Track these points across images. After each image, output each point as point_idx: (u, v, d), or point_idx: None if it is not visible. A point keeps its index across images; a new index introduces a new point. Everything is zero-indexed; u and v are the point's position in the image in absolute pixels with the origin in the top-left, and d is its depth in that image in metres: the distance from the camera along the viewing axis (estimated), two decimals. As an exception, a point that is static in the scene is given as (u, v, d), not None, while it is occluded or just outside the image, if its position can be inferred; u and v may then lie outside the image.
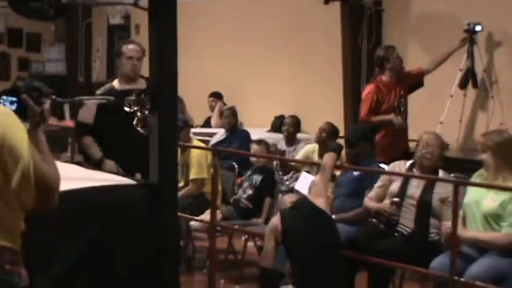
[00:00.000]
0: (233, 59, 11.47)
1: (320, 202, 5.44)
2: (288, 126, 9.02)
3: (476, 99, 8.50)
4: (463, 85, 8.32)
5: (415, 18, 9.32)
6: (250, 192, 7.42)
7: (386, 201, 5.76)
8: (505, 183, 5.10)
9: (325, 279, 5.25)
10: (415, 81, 7.92)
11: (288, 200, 5.69)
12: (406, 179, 5.75)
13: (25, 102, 2.86)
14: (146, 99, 5.54)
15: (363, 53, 9.43)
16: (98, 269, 4.08)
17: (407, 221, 5.63)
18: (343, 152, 6.26)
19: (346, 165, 6.39)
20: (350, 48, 9.45)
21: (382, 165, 6.45)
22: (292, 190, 7.47)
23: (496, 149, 5.17)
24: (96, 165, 5.90)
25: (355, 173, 6.31)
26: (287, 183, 8.08)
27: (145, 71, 5.97)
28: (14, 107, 2.87)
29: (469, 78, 8.29)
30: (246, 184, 7.52)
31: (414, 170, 5.82)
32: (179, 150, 6.52)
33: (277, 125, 9.96)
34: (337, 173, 6.48)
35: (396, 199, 5.67)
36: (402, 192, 5.69)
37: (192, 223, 7.13)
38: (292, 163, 8.27)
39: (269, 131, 10.31)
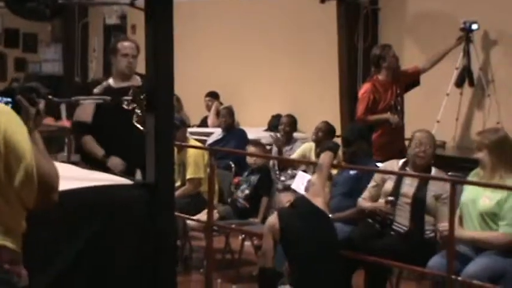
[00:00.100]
0: (229, 58, 11.47)
1: (318, 201, 5.44)
2: (284, 126, 9.03)
3: (472, 98, 8.52)
4: (459, 84, 8.33)
5: (411, 17, 9.33)
6: (247, 192, 7.43)
7: (381, 201, 5.77)
8: (502, 182, 5.10)
9: (324, 279, 5.25)
10: (411, 80, 7.93)
11: (284, 198, 5.69)
12: (399, 177, 5.76)
13: (20, 103, 2.86)
14: (143, 98, 5.53)
15: (359, 52, 9.44)
16: (95, 269, 4.08)
17: (402, 219, 5.65)
18: (340, 151, 6.27)
19: (343, 164, 6.40)
20: (346, 47, 9.45)
21: (378, 164, 6.46)
22: (288, 188, 7.48)
23: (492, 147, 5.18)
24: (100, 162, 5.88)
25: (352, 172, 6.32)
26: (282, 179, 8.10)
27: (139, 68, 6.00)
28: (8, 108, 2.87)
29: (465, 76, 8.30)
30: (243, 186, 7.52)
31: (407, 168, 5.84)
32: (176, 150, 6.53)
33: (274, 124, 9.97)
34: (334, 172, 6.49)
35: (391, 198, 5.68)
36: (396, 191, 5.71)
37: (189, 222, 7.13)
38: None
39: (266, 130, 10.31)
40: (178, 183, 7.33)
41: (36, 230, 2.91)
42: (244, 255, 7.36)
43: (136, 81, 6.06)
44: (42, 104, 2.93)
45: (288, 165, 8.32)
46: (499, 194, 5.08)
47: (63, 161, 7.17)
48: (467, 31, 8.19)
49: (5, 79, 14.25)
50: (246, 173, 7.65)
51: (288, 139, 8.98)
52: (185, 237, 7.35)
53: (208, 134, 9.88)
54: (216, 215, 6.88)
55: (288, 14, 10.71)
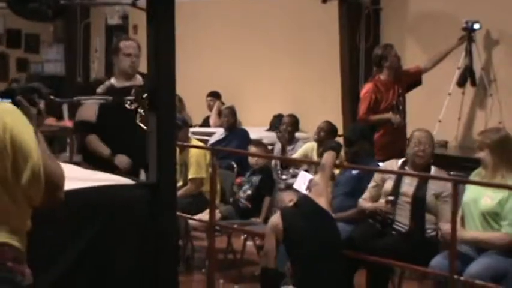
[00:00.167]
0: (231, 58, 11.47)
1: (321, 201, 5.44)
2: (286, 125, 9.03)
3: (474, 98, 8.51)
4: (461, 83, 8.32)
5: (413, 16, 9.32)
6: (249, 192, 7.43)
7: (381, 201, 5.77)
8: (503, 181, 5.10)
9: (326, 279, 5.24)
10: (413, 80, 7.93)
11: (287, 198, 5.68)
12: (399, 177, 5.77)
13: (20, 104, 2.87)
14: (145, 97, 5.53)
15: (360, 52, 9.43)
16: (97, 269, 4.09)
17: (402, 218, 5.65)
18: (342, 151, 6.27)
19: (346, 164, 6.40)
20: (348, 47, 9.45)
21: (380, 164, 6.45)
22: (290, 187, 7.48)
23: (493, 147, 5.18)
24: (105, 161, 5.86)
25: (354, 172, 6.32)
26: (284, 177, 8.11)
27: (141, 67, 6.00)
28: None
29: (467, 76, 8.29)
30: (245, 186, 7.52)
31: (406, 168, 5.84)
32: (178, 150, 6.53)
33: (276, 124, 9.97)
34: (337, 172, 6.49)
35: (391, 197, 5.69)
36: (396, 191, 5.71)
37: (191, 222, 7.12)
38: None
39: (268, 130, 10.32)
40: (180, 183, 7.32)
41: (40, 230, 2.92)
42: (246, 255, 7.36)
43: (138, 80, 6.06)
44: (42, 104, 2.94)
45: (290, 164, 8.34)
46: (500, 194, 5.08)
47: (65, 161, 7.16)
48: (469, 31, 8.18)
49: (7, 79, 14.26)
50: (248, 173, 7.66)
51: (290, 139, 8.99)
52: (187, 237, 7.35)
53: (210, 134, 9.89)
54: (218, 215, 6.88)
55: (289, 14, 10.71)
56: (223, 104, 10.96)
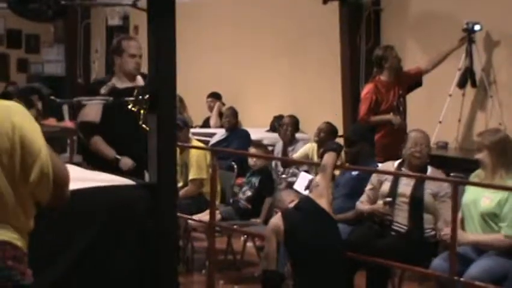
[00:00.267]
0: (231, 59, 11.47)
1: (323, 202, 5.43)
2: (286, 126, 9.03)
3: (475, 99, 8.50)
4: (461, 85, 8.32)
5: (414, 17, 9.32)
6: (249, 193, 7.42)
7: (379, 202, 5.78)
8: (502, 182, 5.11)
9: (327, 280, 5.24)
10: (413, 81, 7.94)
11: (287, 198, 5.67)
12: (396, 178, 5.78)
13: None
14: (145, 99, 5.52)
15: (361, 53, 9.43)
16: (97, 269, 4.08)
17: (401, 219, 5.66)
18: (343, 152, 6.26)
19: (346, 165, 6.40)
20: (349, 48, 9.45)
21: (380, 164, 6.46)
22: (290, 186, 7.49)
23: (492, 148, 5.19)
24: (108, 163, 5.84)
25: (354, 173, 6.32)
26: (284, 176, 8.11)
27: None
28: None
29: (467, 77, 8.29)
30: (245, 187, 7.53)
31: (403, 169, 5.85)
32: (178, 151, 6.52)
33: (276, 124, 9.97)
34: (337, 172, 6.49)
35: (388, 199, 5.69)
36: (393, 192, 5.72)
37: (191, 222, 7.12)
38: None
39: (268, 130, 10.32)
40: (180, 184, 7.33)
41: (40, 230, 2.93)
42: (246, 256, 7.36)
43: (140, 81, 6.04)
44: (39, 106, 2.95)
45: (291, 164, 8.34)
46: (499, 195, 5.08)
47: (65, 162, 7.16)
48: (469, 32, 8.18)
49: (8, 80, 14.28)
50: (247, 175, 7.66)
51: (290, 140, 8.99)
52: (187, 237, 7.35)
53: (211, 135, 9.89)
54: (218, 215, 6.88)
55: (290, 15, 10.70)
56: (223, 104, 10.97)
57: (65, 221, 3.90)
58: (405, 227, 5.63)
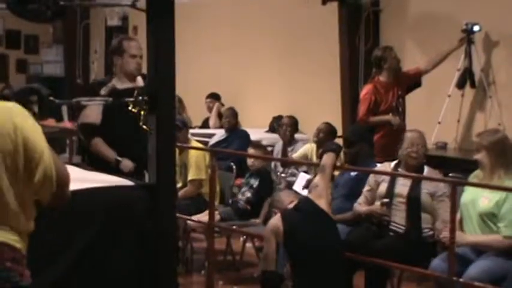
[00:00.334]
0: (231, 59, 11.47)
1: (322, 203, 5.43)
2: (285, 126, 9.04)
3: (474, 100, 8.51)
4: (460, 85, 8.32)
5: (413, 18, 9.32)
6: (248, 195, 7.42)
7: (377, 203, 5.78)
8: (500, 183, 5.11)
9: (327, 281, 5.24)
10: (412, 82, 7.94)
11: (286, 199, 5.66)
12: (392, 179, 5.79)
13: None
14: (143, 99, 5.51)
15: (360, 54, 9.44)
16: (96, 270, 4.08)
17: (398, 219, 5.67)
18: (342, 153, 6.26)
19: (345, 166, 6.40)
20: (348, 48, 9.46)
21: (378, 164, 6.46)
22: (289, 187, 7.49)
23: (490, 148, 5.20)
24: (108, 164, 5.83)
25: (353, 174, 6.33)
26: (283, 175, 8.11)
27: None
28: None
29: (466, 78, 8.29)
30: (244, 188, 7.53)
31: (399, 169, 5.86)
32: (177, 151, 6.52)
33: (275, 125, 9.97)
34: (336, 173, 6.49)
35: (385, 200, 5.70)
36: (390, 192, 5.72)
37: (190, 223, 7.12)
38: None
39: (267, 131, 10.32)
40: (179, 185, 7.33)
41: (39, 230, 2.93)
42: (245, 256, 7.36)
43: (140, 82, 6.03)
44: (36, 107, 2.96)
45: (290, 165, 8.35)
46: (498, 195, 5.09)
47: (64, 162, 7.16)
48: (468, 33, 8.18)
49: (7, 80, 14.28)
50: (246, 175, 7.66)
51: (290, 140, 8.99)
52: (186, 238, 7.35)
53: (210, 135, 9.89)
54: (217, 216, 6.88)
55: (289, 16, 10.70)
56: (222, 105, 10.97)
57: (64, 221, 3.89)
58: (403, 227, 5.64)
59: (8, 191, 2.70)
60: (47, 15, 4.47)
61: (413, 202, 5.64)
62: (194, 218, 6.98)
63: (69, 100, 5.81)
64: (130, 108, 5.11)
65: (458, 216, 5.21)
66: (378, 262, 5.41)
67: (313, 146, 8.17)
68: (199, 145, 8.03)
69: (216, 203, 6.98)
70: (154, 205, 4.30)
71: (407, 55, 8.83)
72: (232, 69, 11.42)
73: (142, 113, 5.00)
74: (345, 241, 5.65)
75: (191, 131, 9.11)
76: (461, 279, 4.93)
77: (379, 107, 7.67)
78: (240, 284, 6.91)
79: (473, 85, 8.34)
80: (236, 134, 9.60)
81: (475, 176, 5.36)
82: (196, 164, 7.45)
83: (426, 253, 5.45)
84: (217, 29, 11.63)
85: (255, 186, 7.42)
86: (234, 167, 8.00)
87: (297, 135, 9.19)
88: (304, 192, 6.71)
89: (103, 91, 5.93)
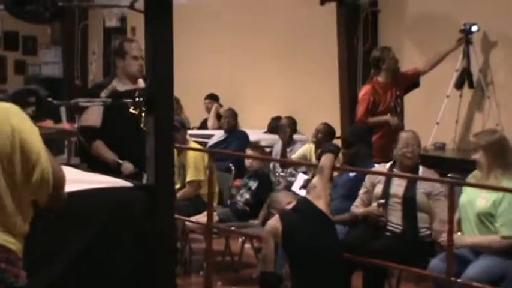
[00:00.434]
0: (229, 60, 11.47)
1: (320, 203, 5.43)
2: (284, 127, 9.03)
3: (472, 100, 8.51)
4: (459, 86, 8.33)
5: (411, 18, 9.33)
6: (247, 196, 7.42)
7: (373, 204, 5.79)
8: (497, 182, 5.11)
9: (325, 282, 5.24)
10: (411, 82, 7.95)
11: (284, 200, 5.66)
12: (388, 179, 5.79)
13: None
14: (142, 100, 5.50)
15: (358, 54, 9.44)
16: (95, 271, 4.08)
17: (395, 219, 5.68)
18: (340, 153, 6.26)
19: (343, 167, 6.40)
20: (346, 49, 9.46)
21: (376, 165, 6.46)
22: (287, 187, 7.49)
23: (488, 148, 5.21)
24: (108, 167, 5.81)
25: (352, 174, 6.33)
26: (282, 174, 8.11)
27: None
28: None
29: (465, 78, 8.30)
30: (243, 190, 7.53)
31: (395, 170, 5.86)
32: (176, 152, 6.52)
33: (274, 126, 9.97)
34: (335, 174, 6.49)
35: (381, 201, 5.71)
36: (386, 193, 5.73)
37: (189, 224, 7.12)
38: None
39: (266, 132, 10.32)
40: (178, 186, 7.32)
41: (38, 231, 2.93)
42: (244, 257, 7.36)
43: (141, 83, 6.00)
44: (31, 109, 2.96)
45: (289, 166, 8.35)
46: (494, 195, 5.10)
47: (63, 164, 7.15)
48: (467, 33, 8.19)
49: (5, 82, 14.27)
50: (245, 177, 7.66)
51: (288, 141, 8.99)
52: (185, 239, 7.34)
53: (208, 136, 9.89)
54: (215, 217, 6.87)
55: (287, 17, 10.70)
56: (221, 106, 10.97)
57: (63, 223, 3.89)
58: (400, 227, 5.65)
59: (4, 193, 2.70)
60: (45, 16, 4.46)
61: (409, 202, 5.65)
62: (193, 219, 6.98)
63: (67, 101, 5.81)
64: (131, 110, 5.12)
65: (456, 216, 5.21)
66: (375, 262, 5.41)
67: (312, 146, 8.17)
68: (198, 146, 8.03)
69: (215, 204, 6.98)
70: (153, 206, 4.29)
71: (405, 55, 8.83)
72: (231, 70, 11.42)
73: (143, 114, 5.01)
74: (343, 242, 5.66)
75: (189, 131, 9.11)
76: (459, 280, 4.93)
77: (377, 107, 7.67)
78: (239, 284, 6.91)
79: (471, 85, 8.34)
80: (235, 135, 9.60)
81: (473, 177, 5.36)
82: (194, 165, 7.45)
83: (424, 253, 5.46)
84: (215, 30, 11.63)
85: (253, 188, 7.43)
86: (232, 168, 8.00)
87: (295, 136, 9.19)
88: (302, 192, 6.71)
89: (103, 93, 5.90)
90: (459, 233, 5.24)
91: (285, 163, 8.44)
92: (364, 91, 7.80)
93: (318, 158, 5.85)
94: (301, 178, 7.53)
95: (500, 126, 7.69)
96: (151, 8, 4.34)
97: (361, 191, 5.96)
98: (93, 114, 5.93)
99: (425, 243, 5.58)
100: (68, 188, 2.93)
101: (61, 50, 14.78)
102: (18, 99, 2.92)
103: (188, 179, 7.46)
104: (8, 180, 2.70)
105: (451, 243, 4.94)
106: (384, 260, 5.37)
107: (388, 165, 5.96)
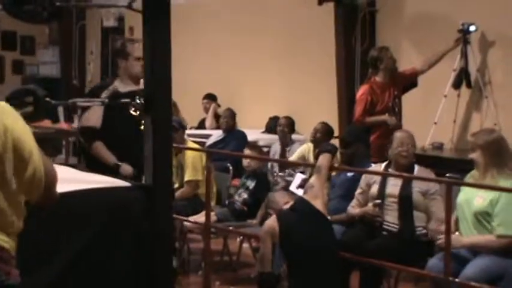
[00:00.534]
0: (227, 60, 11.47)
1: (317, 203, 5.44)
2: (282, 127, 9.04)
3: (470, 100, 8.52)
4: (456, 85, 8.34)
5: (409, 18, 9.33)
6: (245, 196, 7.42)
7: (369, 204, 5.80)
8: (494, 182, 5.12)
9: (323, 281, 5.25)
10: (409, 82, 7.95)
11: (281, 200, 5.67)
12: (383, 179, 5.80)
13: None
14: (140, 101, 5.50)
15: (356, 54, 9.45)
16: (93, 271, 4.08)
17: (392, 218, 5.70)
18: (338, 153, 6.27)
19: (341, 166, 6.41)
20: (344, 49, 9.47)
21: (373, 165, 6.46)
22: (285, 188, 7.49)
23: (485, 148, 5.21)
24: (108, 167, 5.80)
25: (349, 174, 6.33)
26: (281, 174, 8.12)
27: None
28: None
29: (462, 78, 8.31)
30: (241, 190, 7.53)
31: (390, 169, 5.87)
32: (174, 152, 6.52)
33: (272, 126, 9.97)
34: (333, 174, 6.49)
35: (377, 201, 5.72)
36: (382, 193, 5.74)
37: (187, 224, 7.12)
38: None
39: (264, 132, 10.32)
40: (176, 186, 7.32)
41: (36, 231, 2.93)
42: (242, 257, 7.36)
43: (142, 84, 5.97)
44: (28, 108, 2.96)
45: (287, 166, 8.36)
46: (491, 194, 5.11)
47: (61, 164, 7.15)
48: (464, 33, 8.20)
49: (3, 81, 14.27)
50: (243, 177, 7.66)
51: (287, 141, 8.99)
52: (183, 239, 7.34)
53: (207, 136, 9.89)
54: (213, 217, 6.88)
55: (285, 17, 10.71)
56: (219, 106, 10.98)
57: (60, 223, 3.89)
58: (397, 226, 5.66)
59: None
60: (43, 16, 4.46)
61: (405, 201, 5.66)
62: (191, 218, 6.98)
63: (65, 101, 5.79)
64: (131, 111, 5.10)
65: (454, 216, 5.21)
66: (372, 262, 5.41)
67: (310, 146, 8.18)
68: (196, 146, 8.03)
69: (213, 203, 6.99)
70: (151, 206, 4.29)
71: (403, 55, 8.84)
72: (229, 70, 11.42)
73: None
74: (340, 241, 5.66)
75: (187, 131, 9.11)
76: (457, 279, 4.93)
77: (375, 107, 7.67)
78: (237, 284, 6.91)
79: (469, 85, 8.35)
80: (233, 135, 9.60)
81: (471, 176, 5.37)
82: (192, 164, 7.45)
83: (420, 252, 5.46)
84: (213, 30, 11.63)
85: (251, 187, 7.42)
86: (230, 167, 7.99)
87: (293, 136, 9.19)
88: (299, 192, 6.71)
89: (104, 94, 5.89)
90: (457, 233, 5.24)
91: (283, 163, 8.45)
92: (362, 91, 7.80)
93: (316, 157, 5.86)
94: (298, 177, 7.53)
95: (498, 126, 7.70)
96: (149, 7, 4.33)
97: (357, 191, 5.97)
98: (94, 115, 5.91)
99: (422, 242, 5.59)
100: (66, 187, 2.94)
101: (59, 50, 14.78)
102: (16, 99, 2.91)
103: (186, 178, 7.46)
104: (0, 179, 2.70)
105: (449, 244, 4.94)
106: (381, 259, 5.37)
107: (383, 165, 5.97)
